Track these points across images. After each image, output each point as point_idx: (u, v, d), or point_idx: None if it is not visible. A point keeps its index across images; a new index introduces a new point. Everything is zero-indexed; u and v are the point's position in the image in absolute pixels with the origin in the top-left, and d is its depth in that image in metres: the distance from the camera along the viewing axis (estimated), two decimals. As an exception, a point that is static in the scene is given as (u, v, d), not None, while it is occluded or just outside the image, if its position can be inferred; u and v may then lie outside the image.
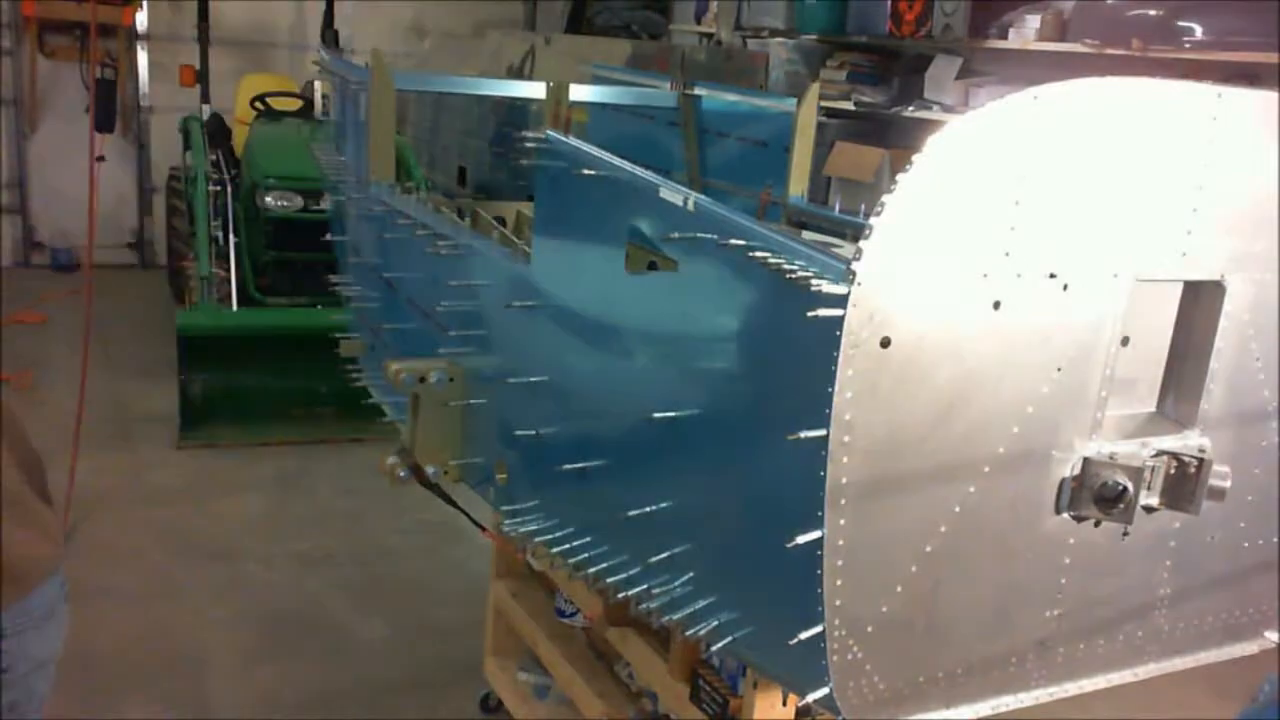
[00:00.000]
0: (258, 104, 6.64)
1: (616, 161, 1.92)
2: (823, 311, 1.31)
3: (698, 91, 3.79)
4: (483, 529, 2.80)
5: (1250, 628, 1.92)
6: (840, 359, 1.30)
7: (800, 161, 3.30)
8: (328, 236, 4.09)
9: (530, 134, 2.11)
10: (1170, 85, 1.49)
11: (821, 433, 1.33)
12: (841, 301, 1.29)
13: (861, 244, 1.28)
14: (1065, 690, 1.73)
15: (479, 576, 3.64)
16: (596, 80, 4.18)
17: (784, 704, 2.10)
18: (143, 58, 8.37)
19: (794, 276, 1.39)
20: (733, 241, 1.56)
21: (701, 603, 1.76)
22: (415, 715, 3.44)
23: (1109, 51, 4.61)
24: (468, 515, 2.71)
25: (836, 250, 1.51)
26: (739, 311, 1.62)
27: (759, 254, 1.49)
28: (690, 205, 1.67)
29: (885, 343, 1.32)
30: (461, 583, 4.18)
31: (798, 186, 3.30)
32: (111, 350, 6.18)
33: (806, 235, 2.89)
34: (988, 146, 1.34)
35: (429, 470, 2.56)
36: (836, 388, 1.31)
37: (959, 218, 1.34)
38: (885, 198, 1.28)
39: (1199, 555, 1.77)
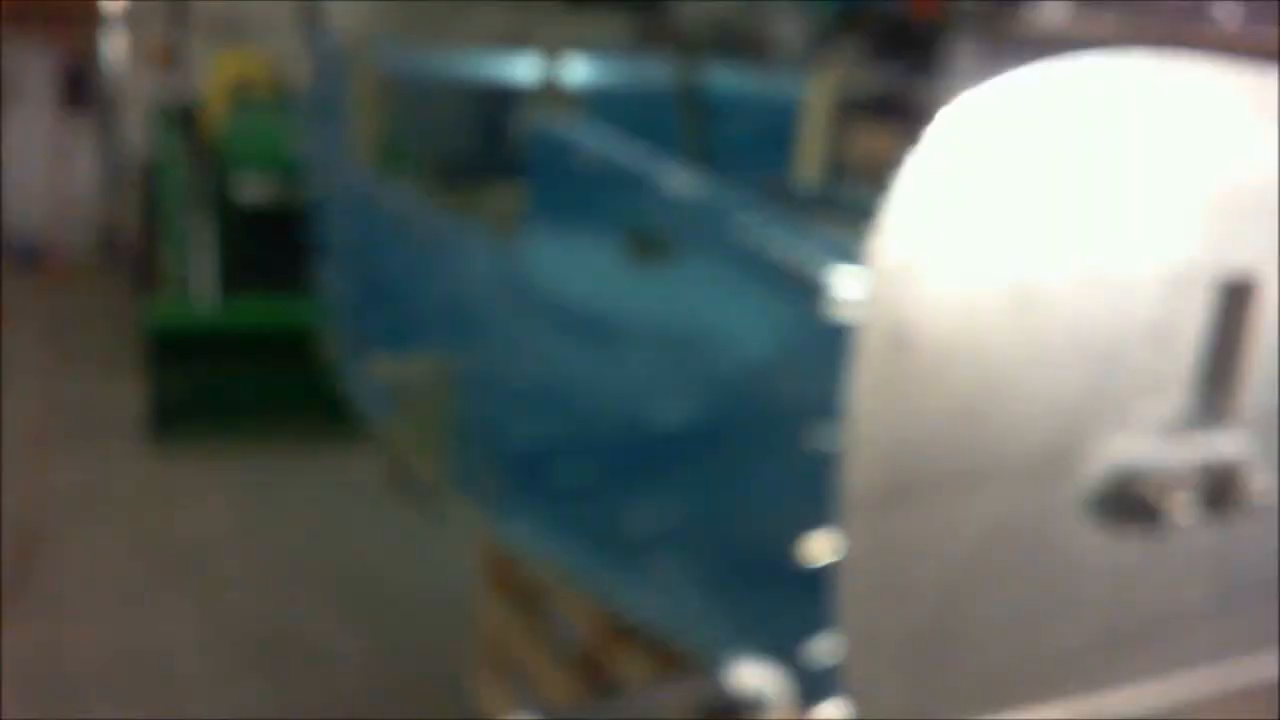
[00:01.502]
0: (233, 89, 6.63)
1: (614, 146, 1.91)
2: (835, 306, 1.30)
3: (704, 72, 3.78)
4: (472, 534, 2.80)
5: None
6: (854, 357, 1.29)
7: (811, 144, 3.30)
8: (305, 227, 4.08)
9: (523, 116, 2.11)
10: (1206, 65, 1.47)
11: (833, 435, 1.32)
12: (856, 295, 1.28)
13: (876, 233, 1.28)
14: (1090, 705, 1.72)
15: (467, 584, 3.63)
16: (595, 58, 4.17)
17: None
18: (115, 43, 8.36)
19: (804, 268, 1.39)
20: (739, 231, 1.55)
21: (705, 611, 1.76)
22: (413, 716, 3.44)
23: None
24: (455, 520, 2.71)
25: (850, 240, 1.50)
26: (745, 306, 1.62)
27: (768, 244, 1.48)
28: (692, 192, 1.67)
29: (901, 340, 1.31)
30: (449, 591, 4.17)
31: (808, 169, 3.30)
32: (78, 348, 6.17)
33: (817, 222, 2.88)
34: (1009, 127, 1.32)
35: (414, 472, 2.56)
36: (849, 388, 1.30)
37: (980, 205, 1.33)
38: (899, 183, 1.27)
39: (1236, 565, 1.76)
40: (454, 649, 3.69)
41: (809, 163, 3.31)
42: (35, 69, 8.18)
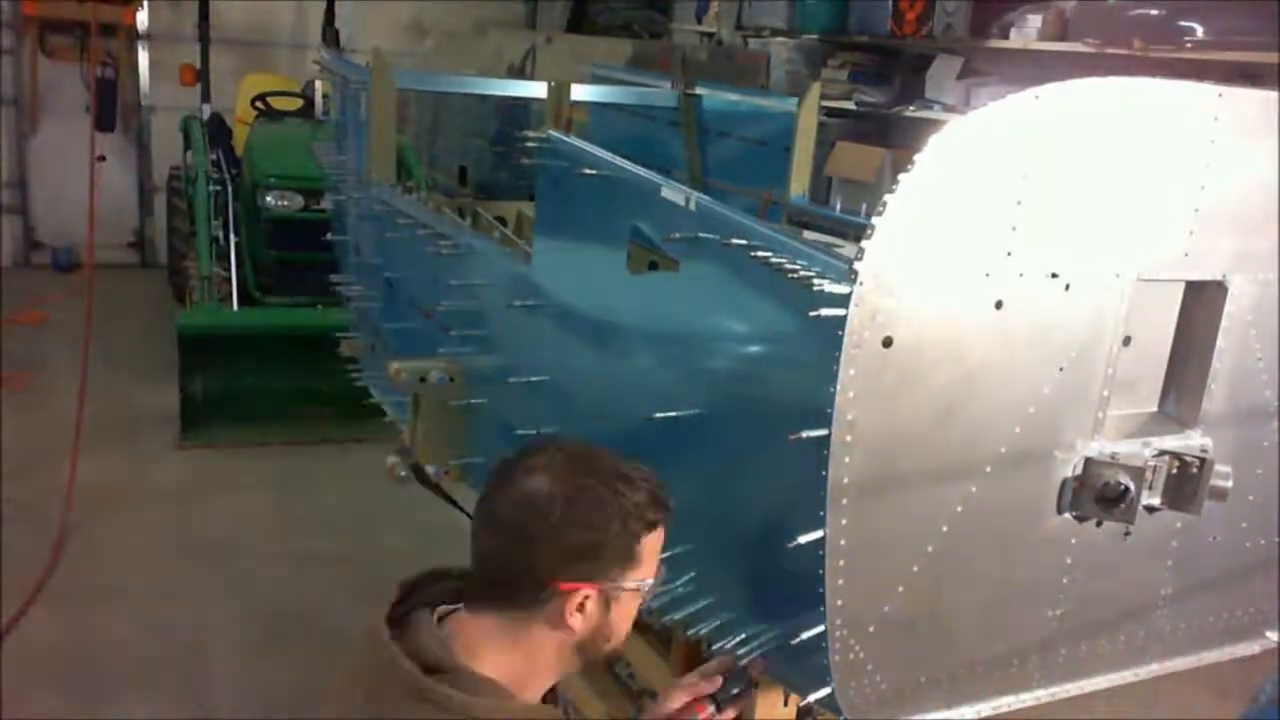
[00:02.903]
0: (258, 104, 6.64)
1: (618, 161, 1.92)
2: (825, 311, 1.31)
3: (699, 91, 3.79)
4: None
5: (1251, 627, 1.92)
6: (842, 358, 1.30)
7: (801, 161, 3.31)
8: (328, 236, 4.10)
9: (532, 133, 2.12)
10: (1172, 85, 1.49)
11: (823, 432, 1.33)
12: (844, 301, 1.29)
13: (864, 243, 1.28)
14: (1066, 690, 1.73)
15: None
16: (597, 80, 4.18)
17: (785, 704, 2.10)
18: (143, 57, 8.37)
19: (796, 276, 1.40)
20: (735, 241, 1.56)
21: (703, 602, 1.77)
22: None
23: (1110, 51, 4.61)
24: (468, 515, 2.70)
25: (838, 250, 1.51)
26: (741, 311, 1.63)
27: (761, 254, 1.49)
28: (692, 205, 1.68)
29: (887, 342, 1.32)
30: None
31: (799, 186, 3.31)
32: (111, 350, 6.18)
33: (807, 235, 2.89)
34: (990, 146, 1.34)
35: (430, 469, 2.57)
36: (839, 387, 1.31)
37: (961, 217, 1.34)
38: (887, 197, 1.28)
39: (1200, 555, 1.77)
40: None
41: (799, 177, 3.31)
42: (68, 84, 8.20)
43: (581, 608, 1.43)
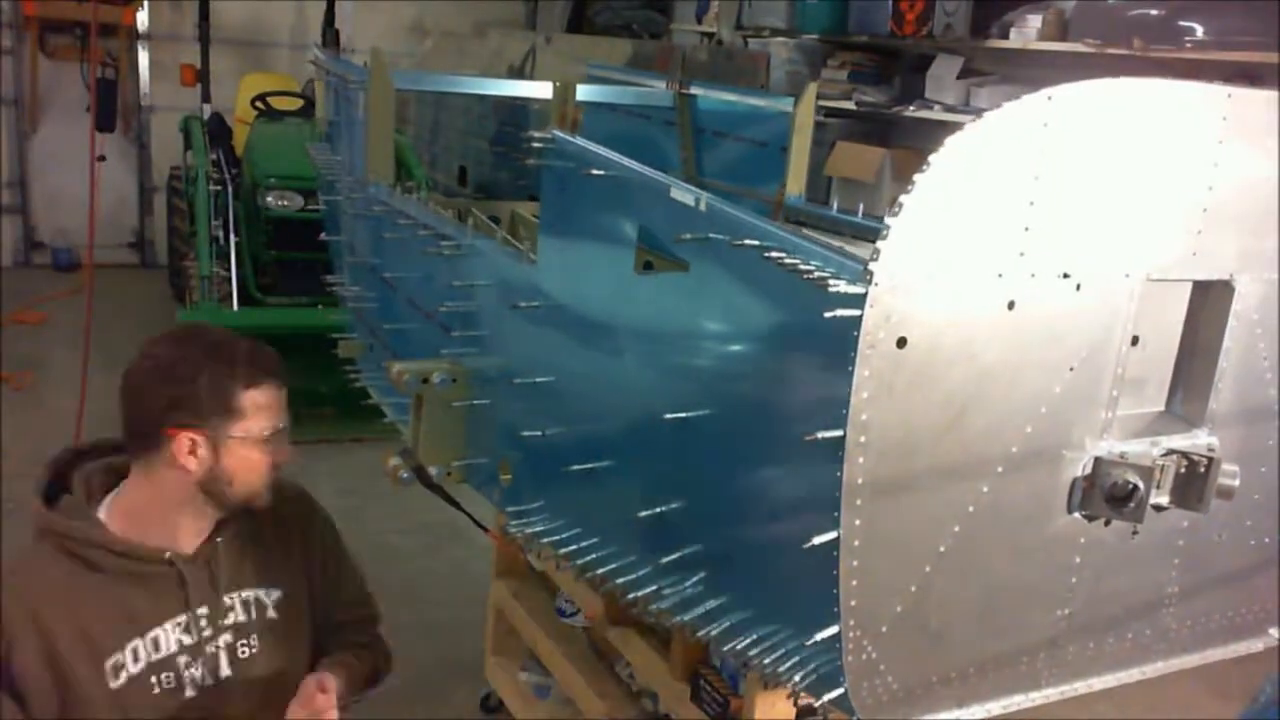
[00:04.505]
0: (258, 103, 6.62)
1: (625, 161, 1.91)
2: (840, 312, 1.30)
3: (694, 91, 3.77)
4: (485, 529, 2.78)
5: (1256, 625, 1.92)
6: (857, 359, 1.29)
7: (798, 161, 3.29)
8: (327, 236, 4.08)
9: (537, 134, 2.10)
10: (1181, 85, 1.48)
11: (838, 433, 1.32)
12: (859, 301, 1.28)
13: (879, 244, 1.28)
14: (1075, 689, 1.72)
15: (480, 576, 3.62)
16: (592, 79, 4.17)
17: (794, 703, 2.09)
18: (143, 57, 8.36)
19: (810, 277, 1.39)
20: (746, 242, 1.55)
21: (713, 603, 1.76)
22: (416, 715, 3.43)
23: (1110, 51, 4.61)
24: (470, 516, 2.69)
25: (850, 250, 1.51)
26: (753, 312, 1.62)
27: (773, 254, 1.48)
28: (702, 205, 1.67)
29: (901, 343, 1.32)
30: (462, 583, 4.16)
31: (795, 186, 3.29)
32: (112, 350, 6.16)
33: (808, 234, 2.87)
34: (1004, 147, 1.33)
35: (432, 471, 2.55)
36: (853, 388, 1.30)
37: (975, 217, 1.33)
38: (902, 198, 1.27)
39: (1207, 554, 1.77)
40: (468, 631, 3.69)
41: (796, 177, 3.30)
42: (68, 84, 8.18)
43: (194, 451, 1.83)
